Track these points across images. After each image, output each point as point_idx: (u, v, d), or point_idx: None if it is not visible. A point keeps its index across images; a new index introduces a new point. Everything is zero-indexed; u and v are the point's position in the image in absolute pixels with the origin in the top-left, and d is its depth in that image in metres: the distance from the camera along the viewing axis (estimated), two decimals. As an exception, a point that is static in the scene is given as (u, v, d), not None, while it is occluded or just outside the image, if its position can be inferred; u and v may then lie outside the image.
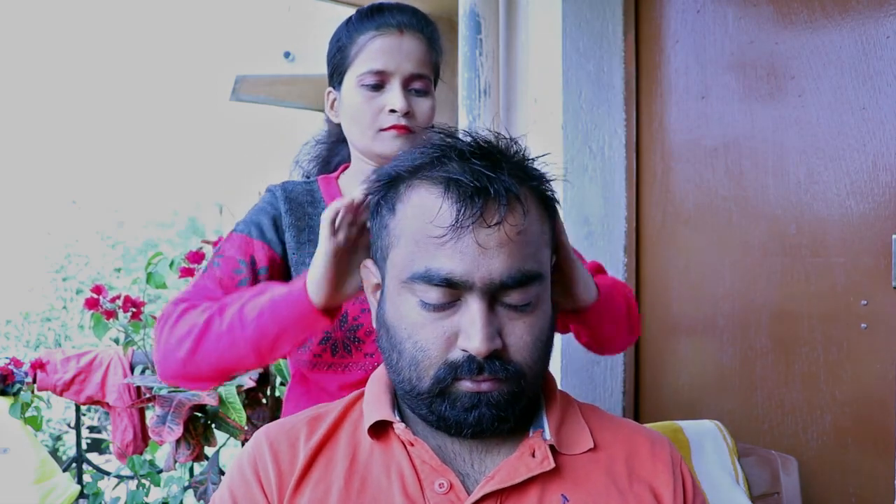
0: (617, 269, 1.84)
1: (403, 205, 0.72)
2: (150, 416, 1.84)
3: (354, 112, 1.09)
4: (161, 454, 2.32)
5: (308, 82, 3.62)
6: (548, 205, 0.76)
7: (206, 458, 1.79)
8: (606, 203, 1.82)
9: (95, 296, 1.86)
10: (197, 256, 1.85)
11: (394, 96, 1.06)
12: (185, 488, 2.16)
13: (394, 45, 1.07)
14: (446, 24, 2.27)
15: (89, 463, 2.53)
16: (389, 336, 0.73)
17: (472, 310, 0.68)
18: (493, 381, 0.69)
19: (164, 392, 1.69)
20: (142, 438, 2.38)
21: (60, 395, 2.38)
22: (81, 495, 2.34)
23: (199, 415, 1.73)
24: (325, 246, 0.84)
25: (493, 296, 0.69)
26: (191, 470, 2.25)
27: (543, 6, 1.78)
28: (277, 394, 1.84)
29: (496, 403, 0.70)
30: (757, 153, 1.57)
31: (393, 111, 1.07)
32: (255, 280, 1.04)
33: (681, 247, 1.74)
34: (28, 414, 2.28)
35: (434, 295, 0.69)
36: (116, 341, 2.12)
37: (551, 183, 0.76)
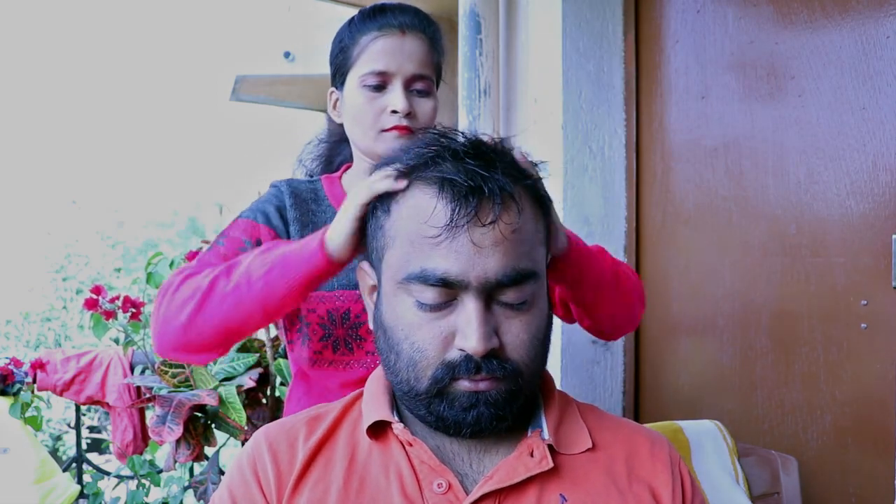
0: (617, 269, 1.83)
1: (398, 205, 0.72)
2: (150, 416, 1.84)
3: (356, 112, 1.09)
4: (161, 454, 2.32)
5: (308, 82, 3.62)
6: (542, 203, 0.76)
7: (206, 458, 1.79)
8: (606, 203, 1.82)
9: (95, 296, 1.86)
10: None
11: (395, 97, 1.06)
12: (185, 488, 2.17)
13: (396, 45, 1.07)
14: (446, 24, 2.27)
15: (89, 463, 2.53)
16: (387, 337, 0.73)
17: (469, 309, 0.68)
18: (491, 380, 0.69)
19: (164, 392, 1.69)
20: (142, 438, 2.39)
21: (60, 395, 2.39)
22: (81, 495, 2.34)
23: (199, 415, 1.72)
24: (353, 212, 0.80)
25: (489, 295, 0.69)
26: (191, 470, 2.26)
27: (543, 6, 1.78)
28: (277, 394, 1.84)
29: (494, 402, 0.70)
30: (757, 153, 1.57)
31: (395, 112, 1.07)
32: None
33: (681, 247, 1.74)
34: (28, 414, 2.29)
35: (430, 295, 0.69)
36: (116, 341, 2.12)
37: (543, 174, 0.76)
